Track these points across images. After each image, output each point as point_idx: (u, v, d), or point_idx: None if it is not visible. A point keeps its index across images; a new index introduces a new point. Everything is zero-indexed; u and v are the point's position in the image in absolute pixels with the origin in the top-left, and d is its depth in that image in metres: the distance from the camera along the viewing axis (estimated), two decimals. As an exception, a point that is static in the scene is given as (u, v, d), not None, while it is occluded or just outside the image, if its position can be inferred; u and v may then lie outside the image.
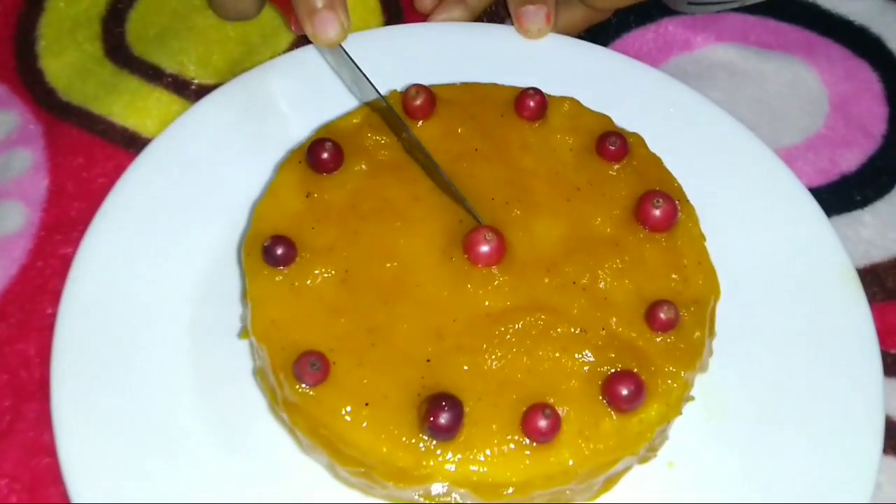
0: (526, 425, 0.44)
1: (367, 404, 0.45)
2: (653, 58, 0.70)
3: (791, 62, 0.71)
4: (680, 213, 0.52)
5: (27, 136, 0.64)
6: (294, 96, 0.63)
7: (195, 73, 0.68)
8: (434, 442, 0.44)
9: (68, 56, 0.68)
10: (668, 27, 0.72)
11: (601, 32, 0.71)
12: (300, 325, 0.48)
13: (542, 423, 0.44)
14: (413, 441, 0.44)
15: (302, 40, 0.70)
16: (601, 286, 0.50)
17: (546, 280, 0.50)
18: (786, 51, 0.71)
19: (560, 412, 0.45)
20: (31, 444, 0.52)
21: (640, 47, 0.71)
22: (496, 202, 0.52)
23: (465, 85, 0.58)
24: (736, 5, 0.72)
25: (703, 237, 0.52)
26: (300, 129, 0.60)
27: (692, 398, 0.50)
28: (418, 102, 0.55)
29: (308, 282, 0.49)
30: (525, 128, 0.55)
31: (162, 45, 0.69)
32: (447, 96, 0.56)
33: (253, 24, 0.70)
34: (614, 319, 0.49)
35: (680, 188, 0.54)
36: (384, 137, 0.54)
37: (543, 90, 0.56)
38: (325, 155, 0.52)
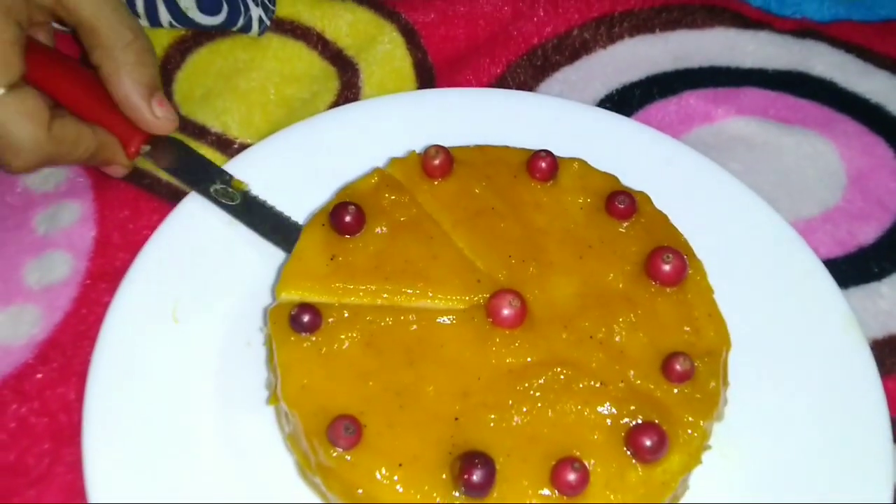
0: (556, 479, 0.46)
1: (400, 465, 0.46)
2: (674, 129, 0.72)
3: (809, 136, 0.72)
4: (689, 268, 0.54)
5: (76, 189, 0.66)
6: (318, 157, 0.66)
7: (238, 133, 0.70)
8: (468, 499, 0.45)
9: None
10: (690, 100, 0.73)
11: (626, 104, 0.73)
12: (330, 389, 0.49)
13: (572, 477, 0.45)
14: (447, 500, 0.45)
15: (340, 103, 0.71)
16: (617, 340, 0.51)
17: (564, 336, 0.51)
18: (804, 126, 0.73)
19: (587, 465, 0.46)
20: (68, 488, 0.53)
21: (663, 118, 0.73)
22: (514, 260, 0.54)
23: (478, 147, 0.60)
24: None
25: (711, 290, 0.54)
26: (322, 190, 0.62)
27: (710, 447, 0.51)
28: (437, 162, 0.57)
29: (335, 346, 0.50)
30: (537, 188, 0.57)
31: (207, 105, 0.71)
32: (463, 157, 0.58)
33: (294, 88, 0.73)
34: (632, 372, 0.50)
35: (686, 243, 0.56)
36: (401, 197, 0.56)
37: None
38: (349, 218, 0.54)
